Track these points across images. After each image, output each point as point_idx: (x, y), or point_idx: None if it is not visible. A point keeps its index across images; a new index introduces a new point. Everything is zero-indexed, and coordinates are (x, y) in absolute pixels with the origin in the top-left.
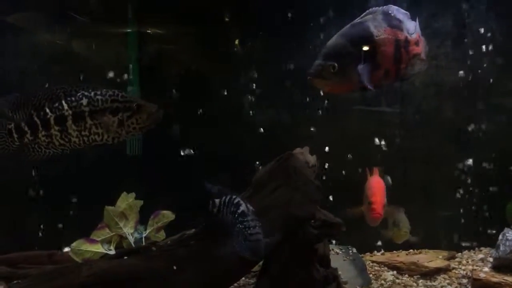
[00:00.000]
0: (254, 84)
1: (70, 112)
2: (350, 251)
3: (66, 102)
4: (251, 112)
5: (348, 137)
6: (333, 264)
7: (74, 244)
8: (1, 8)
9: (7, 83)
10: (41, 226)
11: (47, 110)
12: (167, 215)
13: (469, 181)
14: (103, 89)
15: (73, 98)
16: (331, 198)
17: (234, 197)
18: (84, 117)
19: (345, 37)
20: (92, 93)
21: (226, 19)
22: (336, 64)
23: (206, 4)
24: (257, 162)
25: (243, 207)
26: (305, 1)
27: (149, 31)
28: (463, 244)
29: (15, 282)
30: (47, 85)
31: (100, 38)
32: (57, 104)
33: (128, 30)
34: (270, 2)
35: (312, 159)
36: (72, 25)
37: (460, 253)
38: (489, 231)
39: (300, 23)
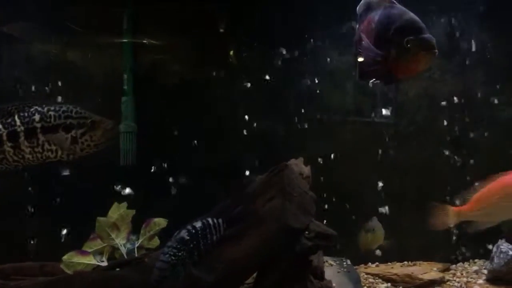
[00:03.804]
0: (249, 94)
1: (23, 128)
2: (344, 263)
3: (19, 118)
4: (245, 122)
5: (342, 147)
6: (327, 276)
7: (65, 257)
8: None
9: (2, 92)
10: (33, 238)
11: (0, 126)
12: (159, 223)
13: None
14: (57, 105)
15: (26, 114)
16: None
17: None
18: (36, 133)
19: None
20: (45, 109)
21: (221, 30)
22: None
23: (201, 15)
24: (251, 173)
25: (182, 233)
26: (300, 12)
27: (145, 41)
28: (458, 256)
29: None
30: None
31: (95, 48)
32: (10, 120)
33: (123, 40)
34: (265, 13)
35: (306, 170)
36: (68, 35)
37: (454, 265)
38: (483, 243)
39: (295, 32)
